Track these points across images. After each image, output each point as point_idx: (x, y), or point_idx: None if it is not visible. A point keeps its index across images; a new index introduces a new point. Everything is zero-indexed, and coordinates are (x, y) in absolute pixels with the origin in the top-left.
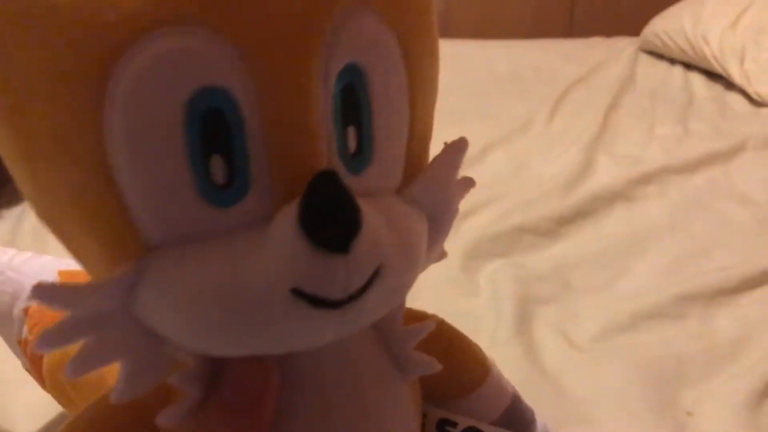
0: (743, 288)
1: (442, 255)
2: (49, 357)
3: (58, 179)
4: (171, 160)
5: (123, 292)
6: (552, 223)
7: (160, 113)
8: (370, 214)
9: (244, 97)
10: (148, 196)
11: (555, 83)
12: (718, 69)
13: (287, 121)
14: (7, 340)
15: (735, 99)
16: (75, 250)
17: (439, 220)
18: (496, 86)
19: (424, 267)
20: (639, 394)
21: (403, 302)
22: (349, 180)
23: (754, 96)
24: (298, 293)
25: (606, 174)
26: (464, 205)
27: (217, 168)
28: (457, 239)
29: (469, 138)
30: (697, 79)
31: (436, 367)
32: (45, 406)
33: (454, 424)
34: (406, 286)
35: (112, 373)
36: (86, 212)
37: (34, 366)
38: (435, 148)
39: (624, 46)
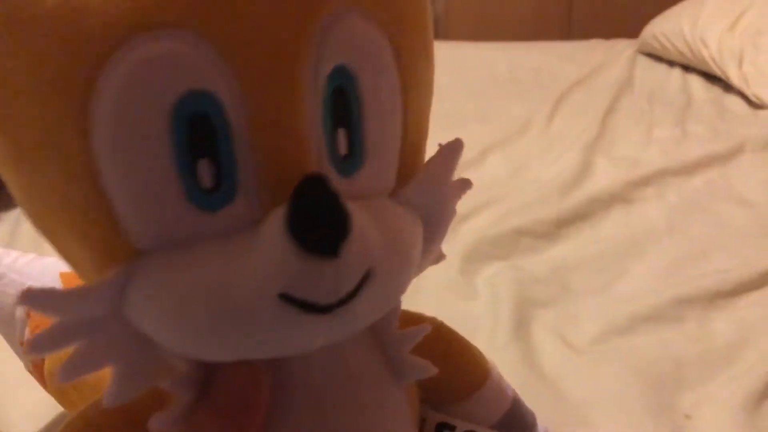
0: (741, 290)
1: (440, 257)
2: (51, 359)
3: (46, 185)
4: (158, 164)
5: (113, 296)
6: (550, 225)
7: (146, 118)
8: (360, 217)
9: (229, 101)
10: (135, 200)
11: (553, 85)
12: (717, 71)
13: (274, 125)
14: (10, 342)
15: (733, 101)
16: (66, 254)
17: (435, 222)
18: (494, 88)
19: (422, 269)
20: (637, 397)
21: (398, 305)
22: (340, 183)
23: (753, 98)
24: (286, 298)
25: (604, 176)
26: (462, 207)
27: (205, 172)
28: (456, 242)
29: (468, 140)
30: (696, 82)
31: (432, 370)
32: (44, 407)
33: (452, 428)
34: (398, 289)
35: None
36: (75, 217)
37: (36, 367)
38: (432, 150)
39: (622, 48)
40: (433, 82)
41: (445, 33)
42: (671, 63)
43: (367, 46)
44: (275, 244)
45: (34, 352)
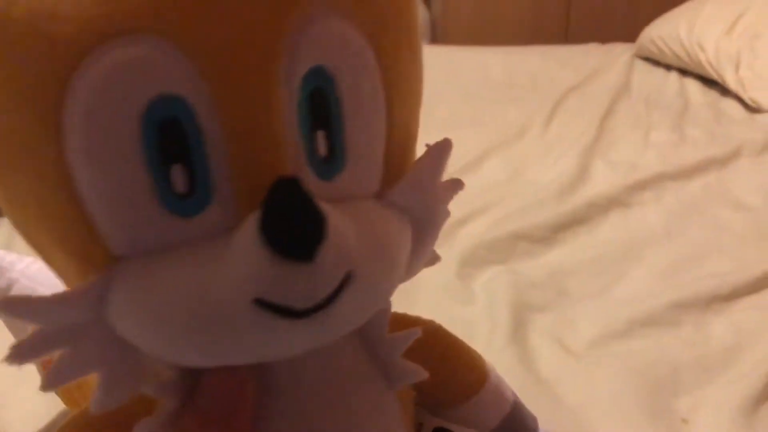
0: (738, 294)
1: (435, 259)
2: None
3: (23, 191)
4: (130, 170)
5: (93, 303)
6: (548, 229)
7: (117, 124)
8: (338, 220)
9: (200, 106)
10: (109, 206)
11: (551, 89)
12: (714, 75)
13: (247, 129)
14: None
15: (730, 105)
16: (50, 261)
17: (425, 223)
18: (491, 92)
19: (415, 272)
20: (634, 401)
21: (388, 309)
22: (320, 186)
23: (749, 102)
24: (261, 303)
25: (602, 180)
26: (459, 211)
27: (178, 178)
28: (453, 246)
29: (465, 144)
30: (693, 86)
31: (423, 375)
32: (43, 407)
33: None
34: (382, 293)
35: None
36: (52, 224)
37: (45, 369)
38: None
39: (620, 52)
40: (421, 82)
41: (442, 37)
42: (668, 67)
43: (344, 46)
44: (249, 249)
45: (15, 360)
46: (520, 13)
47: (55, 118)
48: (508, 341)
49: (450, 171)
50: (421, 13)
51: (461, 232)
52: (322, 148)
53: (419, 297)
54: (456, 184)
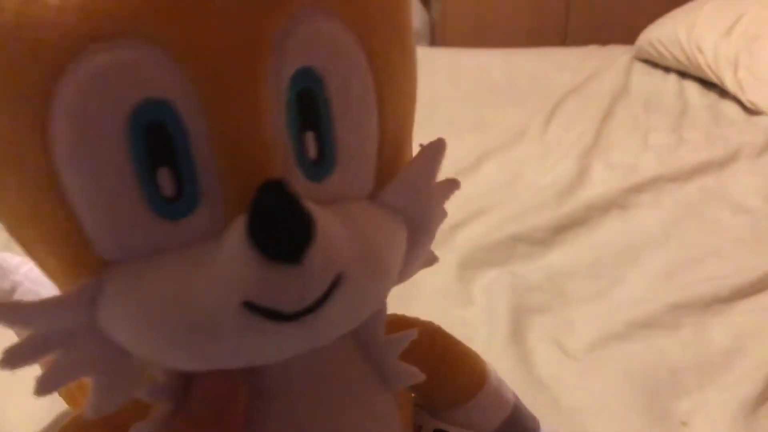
0: (737, 297)
1: (432, 260)
2: None
3: (14, 197)
4: (117, 174)
5: (84, 307)
6: (546, 232)
7: (102, 128)
8: (327, 221)
9: (186, 109)
10: (97, 211)
11: (550, 92)
12: (712, 77)
13: (234, 132)
14: None
15: (729, 107)
16: (42, 266)
17: (421, 224)
18: (491, 95)
19: (412, 273)
20: (633, 404)
21: (383, 311)
22: (310, 187)
23: (748, 104)
24: (250, 306)
25: (600, 183)
26: (459, 214)
27: (165, 181)
28: (452, 249)
29: (464, 147)
30: (692, 88)
31: (419, 377)
32: (43, 409)
33: None
34: (374, 295)
35: None
36: (42, 229)
37: None
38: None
39: (619, 54)
40: (415, 82)
41: (442, 39)
42: (667, 69)
43: (333, 47)
44: (236, 252)
45: (7, 365)
46: (519, 15)
47: (42, 124)
48: (507, 343)
49: (449, 173)
50: (421, 16)
51: (460, 234)
52: (311, 149)
53: (418, 299)
54: (452, 184)
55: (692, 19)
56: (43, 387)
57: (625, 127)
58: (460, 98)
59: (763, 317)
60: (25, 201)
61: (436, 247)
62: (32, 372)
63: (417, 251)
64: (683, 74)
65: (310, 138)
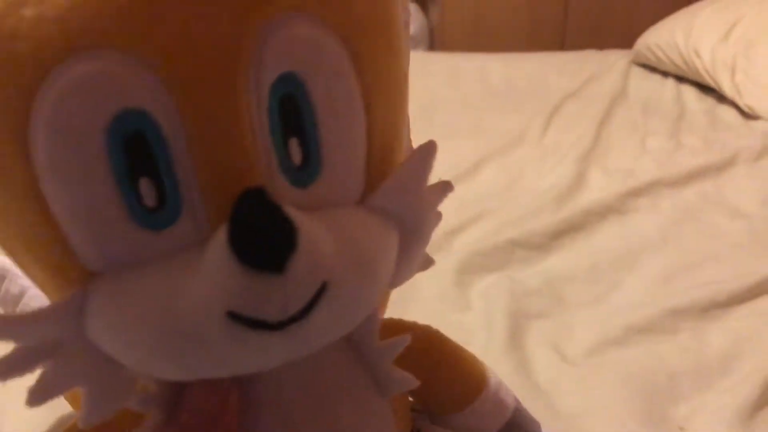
0: (735, 302)
1: (428, 263)
2: None
3: (0, 210)
4: (98, 184)
5: (71, 319)
6: (544, 237)
7: (81, 139)
8: (312, 229)
9: (164, 118)
10: (79, 222)
11: (548, 96)
12: (710, 82)
13: (214, 141)
14: None
15: (726, 112)
16: (31, 277)
17: (413, 227)
18: (489, 99)
19: (407, 277)
20: (631, 409)
21: (376, 317)
22: (295, 194)
23: (745, 109)
24: (234, 316)
25: (598, 187)
26: (456, 219)
27: (147, 191)
28: (450, 253)
29: (462, 152)
30: (689, 92)
31: (413, 383)
32: (43, 411)
33: None
34: (363, 302)
35: None
36: (27, 240)
37: None
38: None
39: (616, 59)
40: (404, 85)
41: (440, 44)
42: (665, 74)
43: (314, 51)
44: (218, 262)
45: None
46: (518, 19)
47: (22, 136)
48: (504, 348)
49: (447, 178)
50: (420, 20)
51: (458, 239)
52: (296, 155)
53: (416, 304)
54: (445, 187)
55: (690, 23)
56: (34, 398)
57: (623, 132)
58: (459, 102)
59: (761, 322)
60: (10, 212)
61: (434, 252)
62: (34, 374)
63: (410, 255)
64: (681, 79)
65: (294, 144)
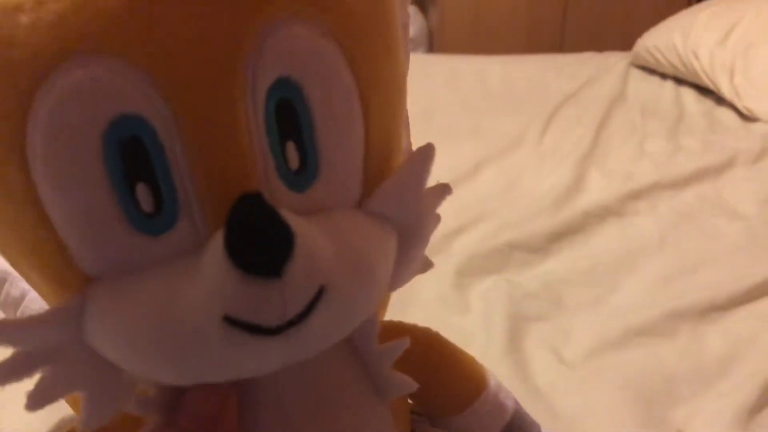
0: (733, 304)
1: (427, 265)
2: None
3: None
4: (95, 189)
5: (70, 323)
6: (543, 239)
7: (78, 145)
8: (309, 233)
9: (160, 124)
10: (77, 228)
11: (547, 98)
12: (709, 84)
13: (210, 144)
14: None
15: (725, 114)
16: (30, 282)
17: (412, 230)
18: (488, 101)
19: (406, 280)
20: (630, 412)
21: (375, 320)
22: (293, 198)
23: (744, 111)
24: (231, 321)
25: (597, 190)
26: (456, 221)
27: (144, 197)
28: (449, 256)
29: (462, 154)
30: (688, 94)
31: (412, 386)
32: (43, 413)
33: None
34: (361, 305)
35: None
36: (26, 247)
37: None
38: None
39: (615, 61)
40: (403, 87)
41: (440, 46)
42: (664, 76)
43: (310, 55)
44: (215, 267)
45: None
46: (517, 21)
47: (20, 142)
48: (503, 351)
49: (446, 180)
50: (419, 22)
51: (457, 241)
52: (293, 159)
53: (415, 306)
54: (443, 189)
55: (688, 26)
56: (34, 402)
57: (622, 134)
58: (458, 105)
59: (760, 324)
60: (9, 219)
61: (433, 254)
62: (35, 376)
63: (409, 258)
64: (680, 81)
65: (291, 148)
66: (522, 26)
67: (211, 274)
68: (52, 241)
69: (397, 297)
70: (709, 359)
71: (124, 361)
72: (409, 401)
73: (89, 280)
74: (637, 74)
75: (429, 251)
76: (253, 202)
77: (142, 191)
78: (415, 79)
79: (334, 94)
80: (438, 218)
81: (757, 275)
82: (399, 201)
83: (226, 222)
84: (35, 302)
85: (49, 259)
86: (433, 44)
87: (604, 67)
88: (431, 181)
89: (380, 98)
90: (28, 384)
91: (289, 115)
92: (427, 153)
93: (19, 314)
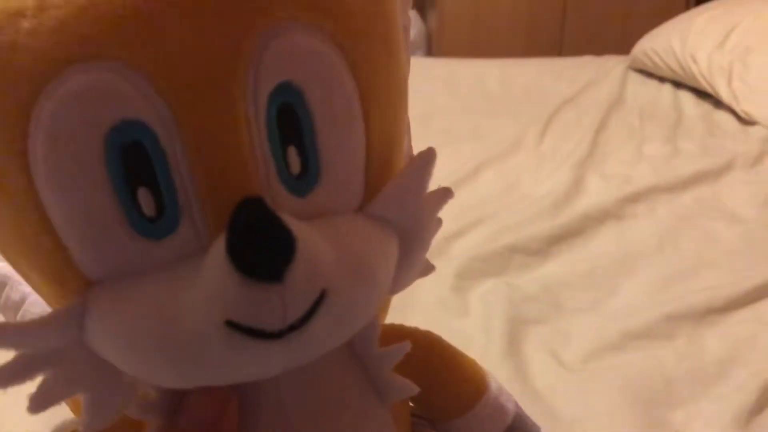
0: (731, 307)
1: (428, 269)
2: None
3: (0, 219)
4: (96, 194)
5: (71, 326)
6: (542, 242)
7: (80, 150)
8: (310, 237)
9: (162, 129)
10: (79, 232)
11: (545, 102)
12: (707, 88)
13: (211, 149)
14: None
15: (723, 117)
16: (32, 286)
17: (413, 234)
18: (487, 105)
19: (407, 283)
20: (629, 414)
21: (376, 324)
22: (294, 203)
23: (742, 114)
24: (232, 325)
25: (596, 193)
26: (455, 224)
27: (145, 200)
28: (448, 259)
29: (461, 157)
30: (686, 98)
31: (413, 389)
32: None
33: None
34: (362, 310)
35: None
36: (28, 250)
37: None
38: None
39: (614, 64)
40: (404, 91)
41: (438, 49)
42: (662, 79)
43: (311, 59)
44: (217, 271)
45: None
46: (516, 25)
47: (22, 147)
48: (503, 354)
49: (446, 184)
50: (418, 26)
51: (456, 244)
52: (294, 164)
53: (414, 310)
54: (445, 193)
55: (686, 29)
56: (35, 405)
57: (620, 137)
58: (457, 108)
59: (758, 327)
60: (10, 222)
61: (432, 258)
62: (37, 379)
63: (411, 261)
64: (678, 84)
65: (292, 153)
66: (521, 29)
67: (212, 278)
68: (54, 245)
69: (396, 300)
70: (708, 361)
71: (125, 364)
72: (410, 404)
73: (91, 284)
74: (635, 78)
75: (428, 254)
76: (255, 206)
77: (143, 195)
78: (414, 82)
79: (336, 98)
80: (439, 222)
81: (756, 278)
82: (400, 205)
83: (227, 226)
84: (35, 306)
85: (51, 262)
86: (432, 47)
87: (603, 71)
88: (431, 185)
89: (381, 102)
90: (30, 387)
91: (290, 120)
92: (428, 157)
93: (19, 318)
